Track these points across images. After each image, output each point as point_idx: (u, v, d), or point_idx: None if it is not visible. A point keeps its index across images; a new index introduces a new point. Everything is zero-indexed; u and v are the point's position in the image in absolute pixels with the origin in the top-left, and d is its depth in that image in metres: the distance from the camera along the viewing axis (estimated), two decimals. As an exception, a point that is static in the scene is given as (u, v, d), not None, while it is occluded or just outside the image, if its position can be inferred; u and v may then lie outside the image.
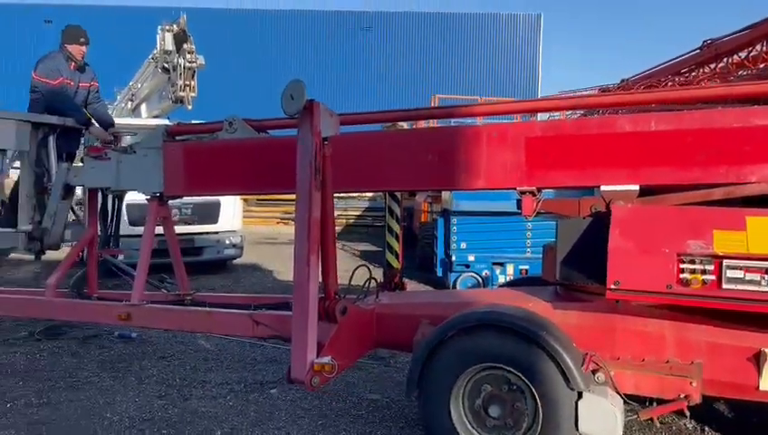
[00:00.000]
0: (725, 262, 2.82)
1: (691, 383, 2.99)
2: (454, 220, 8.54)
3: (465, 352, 3.17)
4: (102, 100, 6.09)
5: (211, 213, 9.48)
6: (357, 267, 3.93)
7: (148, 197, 4.67)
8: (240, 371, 4.89)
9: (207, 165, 4.34)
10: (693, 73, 10.97)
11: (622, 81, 13.76)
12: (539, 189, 3.40)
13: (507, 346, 3.07)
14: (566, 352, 2.93)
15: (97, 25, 25.26)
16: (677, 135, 3.06)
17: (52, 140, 5.16)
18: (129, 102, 11.40)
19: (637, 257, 2.99)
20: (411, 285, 9.21)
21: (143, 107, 11.14)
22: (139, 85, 10.94)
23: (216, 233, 9.62)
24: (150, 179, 4.51)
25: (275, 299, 4.96)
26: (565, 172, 3.30)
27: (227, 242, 9.70)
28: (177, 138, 4.58)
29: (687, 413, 3.18)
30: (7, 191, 5.79)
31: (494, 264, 8.29)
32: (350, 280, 3.78)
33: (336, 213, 13.66)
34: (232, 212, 9.82)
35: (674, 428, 3.88)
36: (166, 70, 9.15)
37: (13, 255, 9.70)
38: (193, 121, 5.41)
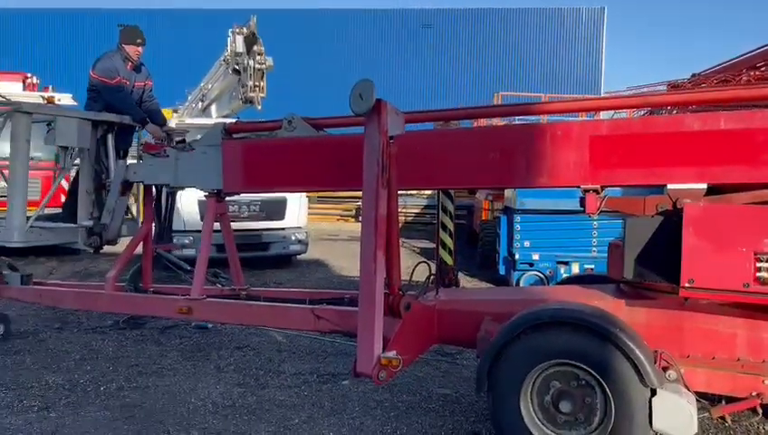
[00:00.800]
0: None
1: (764, 381, 3.02)
2: (517, 218, 8.51)
3: (535, 348, 3.20)
4: (155, 98, 6.27)
5: (278, 210, 9.77)
6: (417, 264, 4.01)
7: (206, 194, 4.78)
8: (312, 362, 5.08)
9: (267, 162, 4.43)
10: (770, 67, 10.50)
11: (693, 75, 13.31)
12: (602, 187, 3.43)
13: (580, 343, 3.10)
14: (640, 350, 2.95)
15: (169, 28, 26.19)
16: (748, 134, 3.07)
17: (111, 138, 5.37)
18: (200, 103, 11.80)
19: (712, 256, 3.02)
20: (473, 283, 9.30)
21: (213, 107, 11.52)
22: (210, 86, 11.31)
23: (283, 229, 9.90)
24: (209, 176, 4.61)
25: (330, 294, 5.06)
26: (631, 171, 3.34)
27: (293, 238, 9.97)
28: (236, 136, 4.66)
29: (760, 411, 3.17)
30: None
31: (559, 263, 8.23)
32: (411, 277, 3.86)
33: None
34: (298, 209, 10.09)
35: (752, 431, 3.81)
36: (236, 71, 9.45)
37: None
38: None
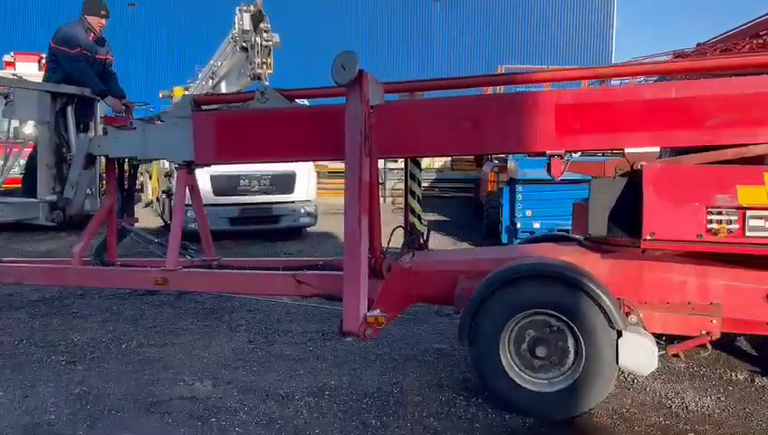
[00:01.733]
0: (748, 212, 3.22)
1: (711, 321, 3.38)
2: (519, 188, 8.77)
3: (512, 301, 3.50)
4: (115, 72, 6.12)
5: (288, 183, 10.08)
6: (394, 229, 4.25)
7: (176, 165, 4.78)
8: (318, 323, 5.40)
9: (240, 134, 4.46)
10: (773, 35, 10.57)
11: (698, 45, 13.36)
12: (566, 152, 3.72)
13: (554, 293, 3.42)
14: (607, 297, 3.28)
15: (177, 5, 26.08)
16: (694, 102, 3.40)
17: (70, 110, 5.21)
18: (210, 80, 12.03)
19: (669, 211, 3.34)
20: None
21: (223, 84, 11.74)
22: (219, 63, 11.52)
23: (293, 202, 10.22)
24: (179, 148, 4.58)
25: (303, 262, 5.16)
26: (592, 137, 3.65)
27: (303, 211, 10.29)
28: (205, 107, 4.64)
29: (709, 347, 3.53)
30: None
31: (559, 231, 8.45)
32: (389, 241, 4.07)
33: (404, 184, 13.80)
34: (307, 183, 10.39)
35: (724, 378, 4.08)
36: (244, 49, 9.66)
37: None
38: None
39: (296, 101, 4.53)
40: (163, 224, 11.94)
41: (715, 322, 3.37)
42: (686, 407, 3.65)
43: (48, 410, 3.59)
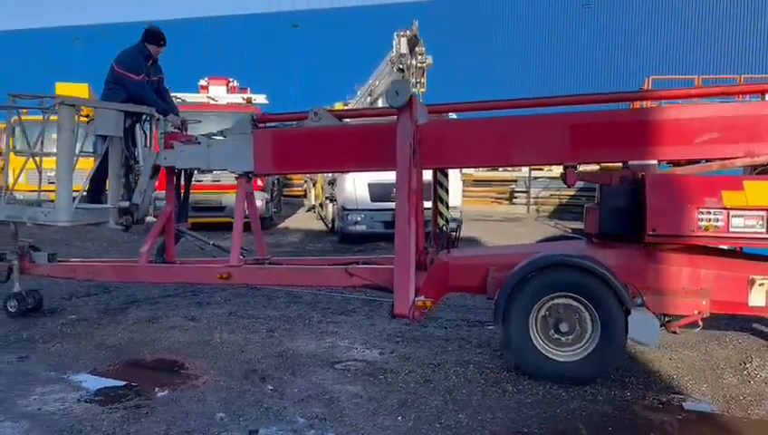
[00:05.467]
0: (731, 212, 3.95)
1: (702, 302, 4.02)
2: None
3: (540, 285, 4.19)
4: (168, 89, 6.72)
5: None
6: (428, 231, 5.08)
7: (237, 175, 5.38)
8: (463, 312, 6.24)
9: (296, 148, 5.16)
10: None
11: None
12: (579, 164, 4.47)
13: (575, 279, 4.13)
14: (618, 282, 3.97)
15: (339, 26, 28.13)
16: (686, 123, 4.13)
17: (138, 127, 5.91)
18: (368, 97, 13.37)
19: (667, 212, 4.06)
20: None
21: (380, 101, 13.01)
22: (377, 83, 12.81)
23: (439, 208, 11.06)
24: (240, 160, 5.24)
25: (344, 260, 5.80)
26: (602, 151, 4.39)
27: (450, 216, 11.10)
28: (261, 125, 5.34)
29: (701, 324, 4.15)
30: None
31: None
32: (432, 241, 4.94)
33: (549, 193, 14.89)
34: (453, 190, 11.20)
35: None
36: (401, 70, 10.79)
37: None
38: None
39: (344, 120, 5.36)
40: (327, 227, 13.28)
41: (705, 303, 4.04)
42: (803, 400, 3.96)
43: (260, 361, 4.75)
